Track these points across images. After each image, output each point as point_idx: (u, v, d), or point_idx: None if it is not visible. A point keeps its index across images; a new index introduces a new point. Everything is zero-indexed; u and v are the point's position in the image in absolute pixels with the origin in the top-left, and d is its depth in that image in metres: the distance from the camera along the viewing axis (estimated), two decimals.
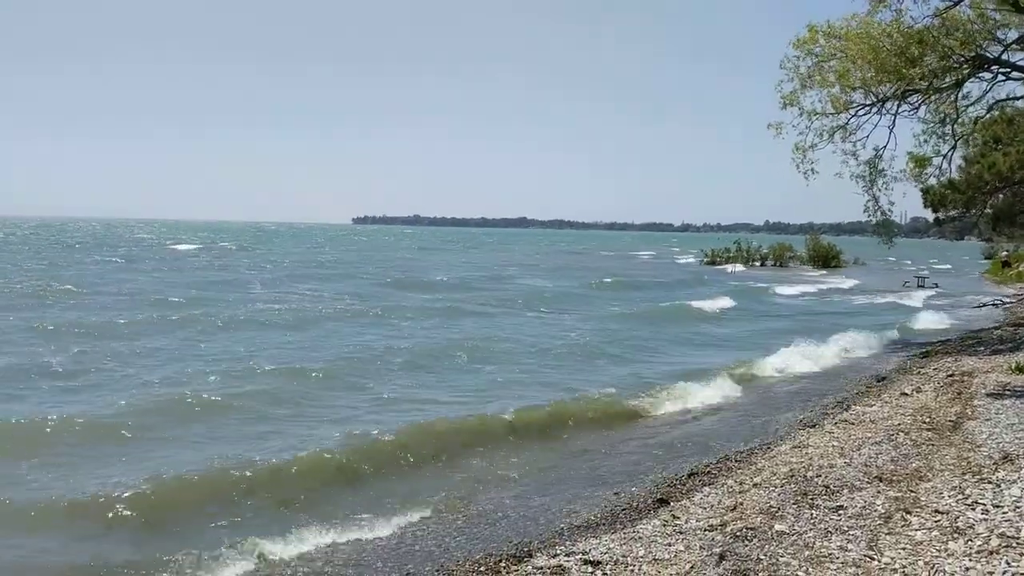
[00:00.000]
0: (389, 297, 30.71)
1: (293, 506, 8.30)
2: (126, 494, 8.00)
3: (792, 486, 7.91)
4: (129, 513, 7.75)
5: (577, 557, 6.39)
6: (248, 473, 8.80)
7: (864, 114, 19.87)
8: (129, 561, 6.83)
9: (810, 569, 5.75)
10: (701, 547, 6.40)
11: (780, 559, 5.98)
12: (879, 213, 21.79)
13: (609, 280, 41.36)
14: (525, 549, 6.95)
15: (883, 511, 6.90)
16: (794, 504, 7.31)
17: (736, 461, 9.66)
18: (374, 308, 25.21)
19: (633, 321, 24.60)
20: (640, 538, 6.82)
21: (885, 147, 20.75)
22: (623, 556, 6.35)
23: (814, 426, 11.22)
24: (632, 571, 6.02)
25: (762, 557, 6.05)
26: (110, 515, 7.71)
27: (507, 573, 6.26)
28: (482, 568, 6.54)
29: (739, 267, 59.21)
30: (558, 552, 6.62)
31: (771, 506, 7.31)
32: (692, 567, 5.98)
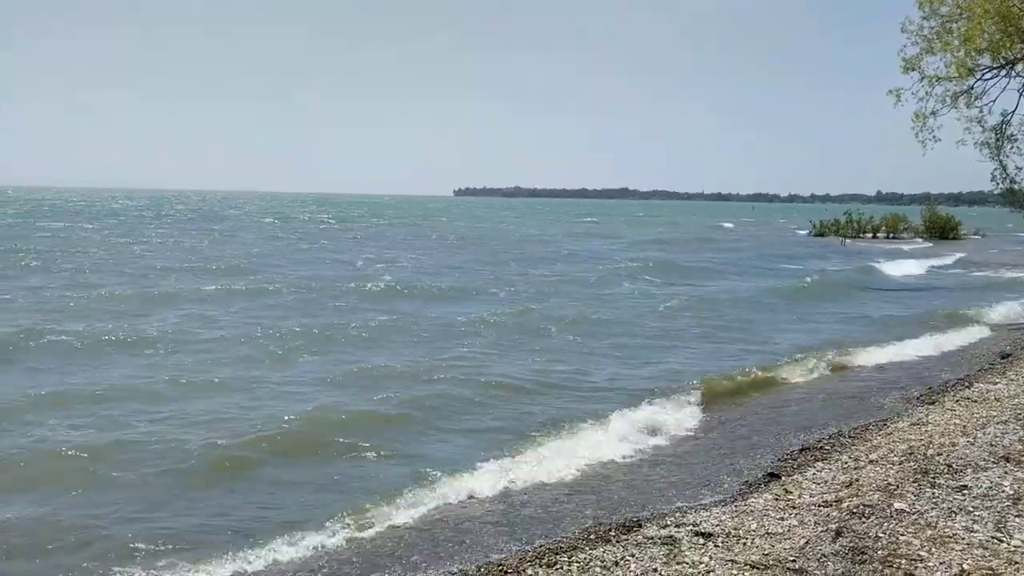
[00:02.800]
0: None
1: (391, 458, 8.52)
2: None
3: (911, 464, 7.65)
4: None
5: (688, 528, 6.36)
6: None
7: (991, 78, 18.84)
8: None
9: (933, 549, 5.57)
10: (816, 523, 6.28)
11: (900, 537, 5.81)
12: (1007, 181, 20.66)
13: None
14: (634, 519, 6.95)
15: (1011, 492, 6.62)
16: (914, 482, 7.08)
17: (850, 437, 9.39)
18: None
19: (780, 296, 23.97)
20: (752, 511, 6.73)
21: (1014, 112, 19.64)
22: (735, 529, 6.28)
23: (933, 403, 10.80)
24: (744, 544, 5.96)
25: (881, 535, 5.89)
26: None
27: (616, 542, 6.27)
28: (591, 536, 6.58)
29: (860, 240, 56.88)
30: (668, 523, 6.61)
31: (889, 483, 7.10)
32: (807, 542, 5.88)
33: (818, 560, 5.55)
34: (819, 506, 6.71)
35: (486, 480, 8.09)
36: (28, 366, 12.43)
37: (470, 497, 7.74)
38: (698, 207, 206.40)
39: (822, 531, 6.08)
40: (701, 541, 6.06)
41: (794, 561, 5.56)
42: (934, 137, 19.37)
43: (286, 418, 9.65)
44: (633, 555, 5.86)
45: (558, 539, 6.62)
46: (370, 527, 6.99)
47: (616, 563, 5.73)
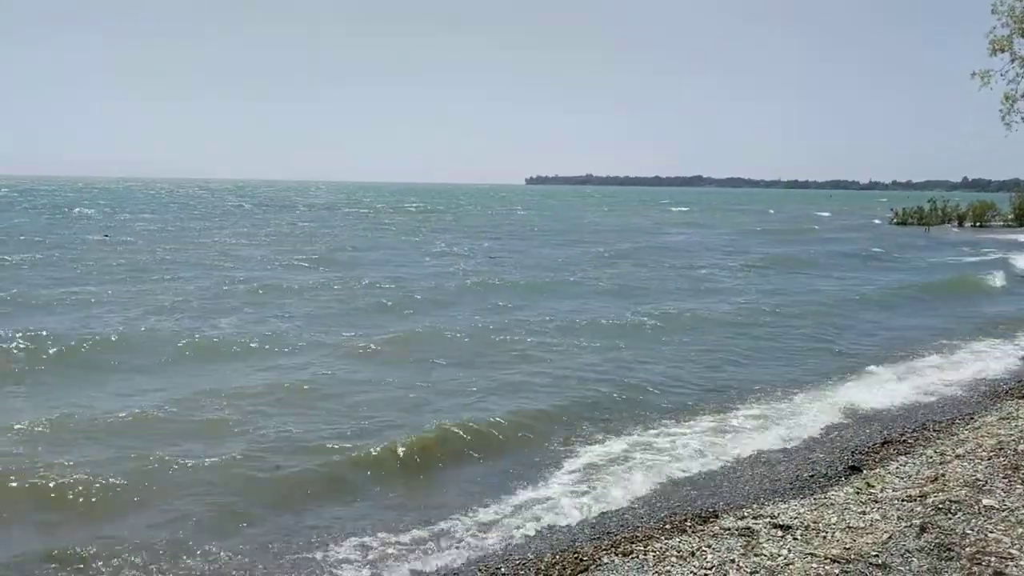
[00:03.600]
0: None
1: (500, 460, 8.58)
2: None
3: (1001, 459, 7.41)
4: None
5: (765, 520, 6.28)
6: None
7: None
8: None
9: None
10: (899, 517, 6.13)
11: (989, 535, 5.64)
12: None
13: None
14: (711, 510, 6.89)
15: None
16: (1004, 478, 6.85)
17: (934, 431, 9.13)
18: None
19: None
20: (831, 505, 6.61)
21: None
22: (814, 522, 6.18)
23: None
24: (824, 537, 5.85)
25: (968, 532, 5.72)
26: None
27: (693, 532, 6.23)
28: (667, 526, 6.55)
29: (953, 228, 54.46)
30: (745, 514, 6.53)
31: (977, 479, 6.88)
32: (890, 537, 5.75)
33: (902, 556, 5.43)
34: (902, 501, 6.54)
35: (563, 468, 8.13)
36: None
37: (546, 486, 7.77)
38: (774, 196, 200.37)
39: (906, 526, 5.93)
40: (780, 533, 5.97)
41: (876, 556, 5.44)
42: (1023, 118, 18.55)
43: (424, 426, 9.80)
44: (710, 546, 5.82)
45: (633, 528, 6.61)
46: (446, 518, 7.07)
47: (692, 553, 5.69)
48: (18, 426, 8.60)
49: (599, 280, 23.06)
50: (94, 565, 6.00)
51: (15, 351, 11.99)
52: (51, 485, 7.17)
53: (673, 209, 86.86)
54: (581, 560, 5.84)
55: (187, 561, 6.11)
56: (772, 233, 49.01)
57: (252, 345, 13.09)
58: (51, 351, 12.06)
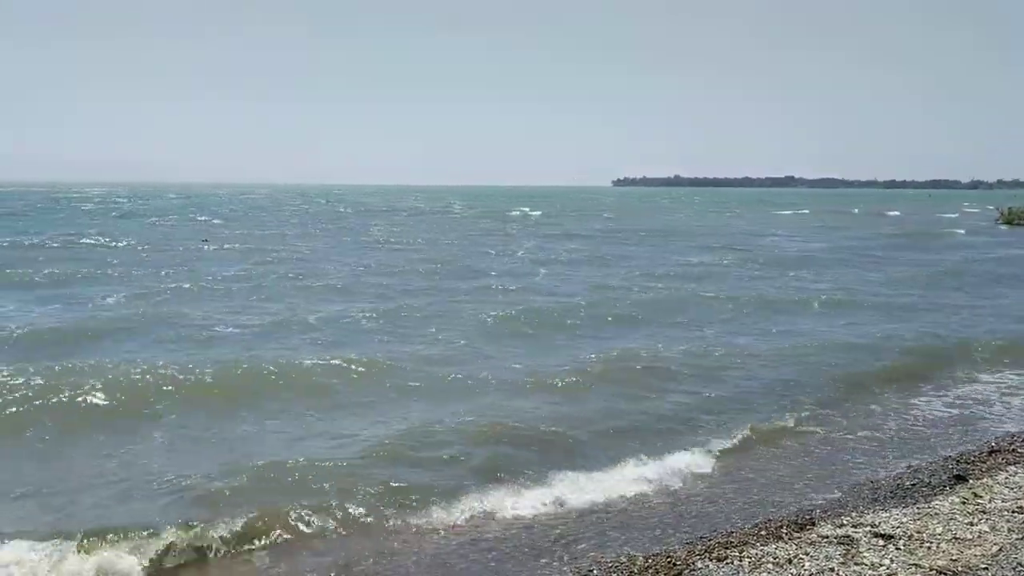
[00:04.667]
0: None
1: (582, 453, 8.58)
2: None
3: None
4: None
5: (866, 529, 6.11)
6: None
7: None
8: None
9: None
10: (1010, 529, 5.90)
11: None
12: None
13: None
14: (807, 517, 6.74)
15: None
16: None
17: None
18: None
19: None
20: (936, 514, 6.39)
21: None
22: (917, 532, 5.99)
23: None
24: (929, 548, 5.66)
25: None
26: None
27: (789, 539, 6.11)
28: (762, 532, 6.43)
29: None
30: (844, 522, 6.37)
31: None
32: (1000, 549, 5.52)
33: (1013, 569, 5.21)
34: (1013, 512, 6.28)
35: (650, 472, 8.08)
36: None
37: (636, 487, 7.73)
38: (872, 195, 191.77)
39: (1017, 538, 5.70)
40: (881, 543, 5.81)
41: (986, 569, 5.24)
42: None
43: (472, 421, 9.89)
44: (807, 553, 5.69)
45: (727, 534, 6.52)
46: (532, 515, 7.11)
47: (789, 560, 5.58)
48: None
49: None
50: None
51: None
52: None
53: (785, 213, 77.73)
54: (674, 564, 5.78)
55: None
56: (910, 236, 44.51)
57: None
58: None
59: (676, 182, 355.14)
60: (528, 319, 15.76)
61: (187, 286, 19.60)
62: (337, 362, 11.56)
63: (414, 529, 6.80)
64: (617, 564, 6.00)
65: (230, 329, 14.38)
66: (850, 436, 9.37)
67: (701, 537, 6.52)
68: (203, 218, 53.73)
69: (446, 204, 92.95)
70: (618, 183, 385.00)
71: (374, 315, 15.95)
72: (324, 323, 15.17)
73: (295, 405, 9.94)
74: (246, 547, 6.40)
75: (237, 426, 9.24)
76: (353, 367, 11.37)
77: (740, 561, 5.66)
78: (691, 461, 8.38)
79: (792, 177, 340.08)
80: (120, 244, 31.75)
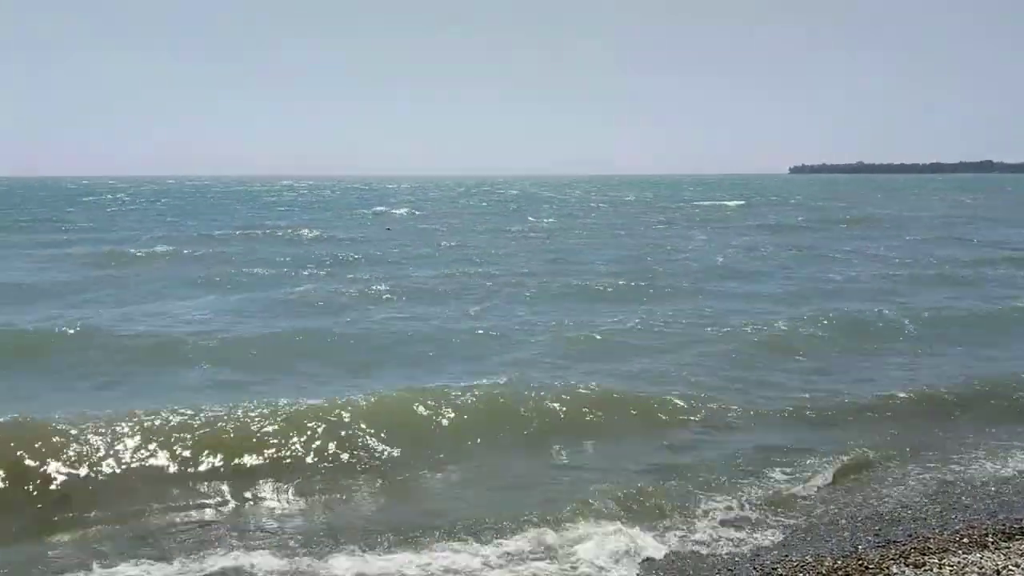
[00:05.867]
0: None
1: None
2: None
3: None
4: None
5: None
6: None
7: None
8: None
9: None
10: None
11: None
12: None
13: None
14: (1016, 526, 6.23)
15: None
16: None
17: None
18: None
19: None
20: None
21: None
22: None
23: None
24: None
25: None
26: None
27: (996, 549, 5.67)
28: (964, 539, 6.00)
29: None
30: None
31: None
32: None
33: None
34: None
35: (837, 470, 7.73)
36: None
37: (821, 487, 7.41)
38: None
39: None
40: None
41: None
42: None
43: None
44: (1018, 565, 5.28)
45: (924, 539, 6.12)
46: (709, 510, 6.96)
47: (997, 572, 5.20)
48: None
49: None
50: None
51: None
52: None
53: None
54: (866, 568, 5.50)
55: None
56: None
57: None
58: None
59: (860, 168, 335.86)
60: None
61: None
62: None
63: None
64: (803, 564, 5.77)
65: None
66: None
67: (893, 541, 6.17)
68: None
69: (620, 194, 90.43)
70: (796, 170, 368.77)
71: None
72: None
73: None
74: None
75: None
76: None
77: (940, 569, 5.32)
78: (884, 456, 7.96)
79: (990, 162, 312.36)
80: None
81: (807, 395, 10.03)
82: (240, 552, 5.98)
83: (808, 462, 7.87)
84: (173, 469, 7.56)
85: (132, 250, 25.02)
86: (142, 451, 7.66)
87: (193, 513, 6.88)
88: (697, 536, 6.37)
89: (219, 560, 5.86)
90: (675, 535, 6.37)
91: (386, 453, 8.05)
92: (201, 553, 5.99)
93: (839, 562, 5.70)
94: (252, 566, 5.76)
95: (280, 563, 5.83)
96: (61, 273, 20.42)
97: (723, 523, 6.63)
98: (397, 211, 51.75)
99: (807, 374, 11.11)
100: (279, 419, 8.29)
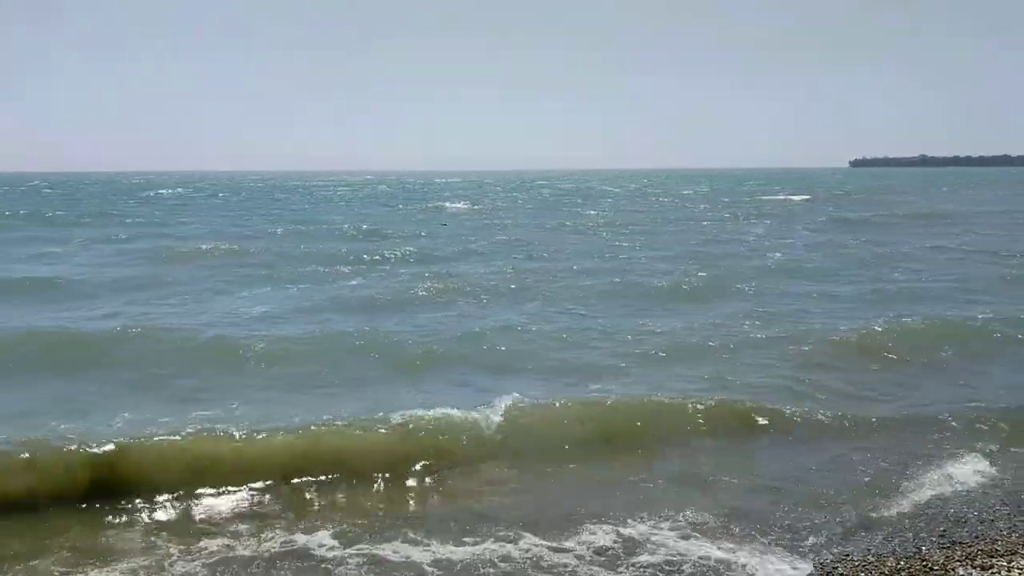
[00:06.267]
0: None
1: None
2: None
3: None
4: None
5: None
6: None
7: None
8: None
9: None
10: None
11: None
12: None
13: None
14: None
15: None
16: None
17: None
18: None
19: None
20: None
21: None
22: None
23: None
24: None
25: None
26: None
27: None
28: None
29: None
30: None
31: None
32: None
33: None
34: None
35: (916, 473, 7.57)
36: None
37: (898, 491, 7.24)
38: None
39: None
40: None
41: None
42: None
43: None
44: None
45: (992, 541, 5.96)
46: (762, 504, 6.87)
47: None
48: None
49: None
50: None
51: None
52: None
53: None
54: (931, 569, 5.39)
55: None
56: None
57: None
58: None
59: (924, 162, 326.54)
60: None
61: None
62: None
63: None
64: (865, 563, 5.67)
65: None
66: None
67: (958, 542, 6.02)
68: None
69: (671, 188, 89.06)
70: (856, 163, 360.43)
71: None
72: None
73: None
74: None
75: None
76: None
77: (1009, 571, 5.18)
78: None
79: None
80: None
81: (900, 404, 9.73)
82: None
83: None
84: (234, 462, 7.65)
85: (198, 245, 25.32)
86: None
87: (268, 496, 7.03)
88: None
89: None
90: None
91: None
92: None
93: (902, 562, 5.59)
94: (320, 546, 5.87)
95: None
96: (124, 269, 20.76)
97: (764, 518, 6.55)
98: (452, 205, 52.06)
99: (897, 383, 10.63)
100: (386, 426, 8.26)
